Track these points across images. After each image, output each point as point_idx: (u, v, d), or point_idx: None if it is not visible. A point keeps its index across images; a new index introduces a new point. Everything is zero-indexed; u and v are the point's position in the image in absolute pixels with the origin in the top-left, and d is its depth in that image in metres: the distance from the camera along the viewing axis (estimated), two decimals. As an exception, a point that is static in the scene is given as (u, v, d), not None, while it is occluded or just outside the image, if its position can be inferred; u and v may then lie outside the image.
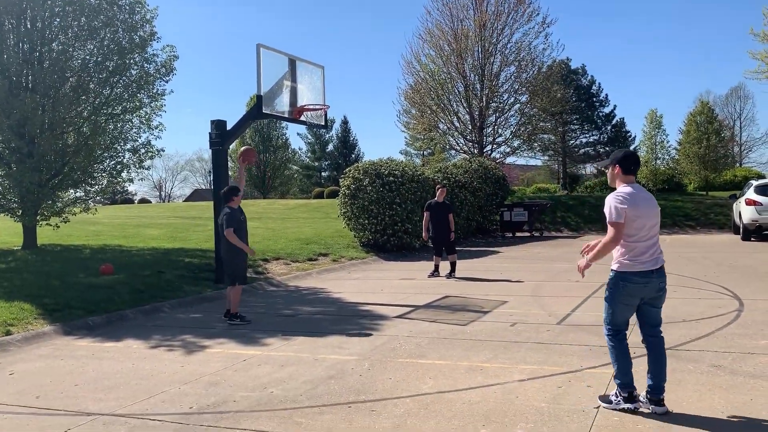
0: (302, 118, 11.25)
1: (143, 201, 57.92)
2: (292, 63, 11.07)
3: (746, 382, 5.04)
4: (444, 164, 22.53)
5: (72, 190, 15.13)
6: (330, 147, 68.04)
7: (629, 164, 4.51)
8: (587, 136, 49.54)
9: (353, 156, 65.58)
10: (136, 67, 14.51)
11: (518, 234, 23.80)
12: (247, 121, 11.28)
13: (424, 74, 30.11)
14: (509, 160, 38.26)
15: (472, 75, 30.43)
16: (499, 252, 17.79)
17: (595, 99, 49.37)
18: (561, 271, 12.79)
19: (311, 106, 11.05)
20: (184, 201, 74.77)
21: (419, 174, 17.73)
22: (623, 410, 4.41)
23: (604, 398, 4.60)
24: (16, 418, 4.87)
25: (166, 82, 14.75)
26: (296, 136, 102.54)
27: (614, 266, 4.47)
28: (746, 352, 5.96)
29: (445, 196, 12.82)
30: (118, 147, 14.76)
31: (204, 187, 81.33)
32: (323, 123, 11.82)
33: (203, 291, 11.06)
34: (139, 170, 15.23)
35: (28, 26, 13.73)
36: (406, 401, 4.92)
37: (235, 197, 8.63)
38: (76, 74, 14.05)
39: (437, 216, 12.43)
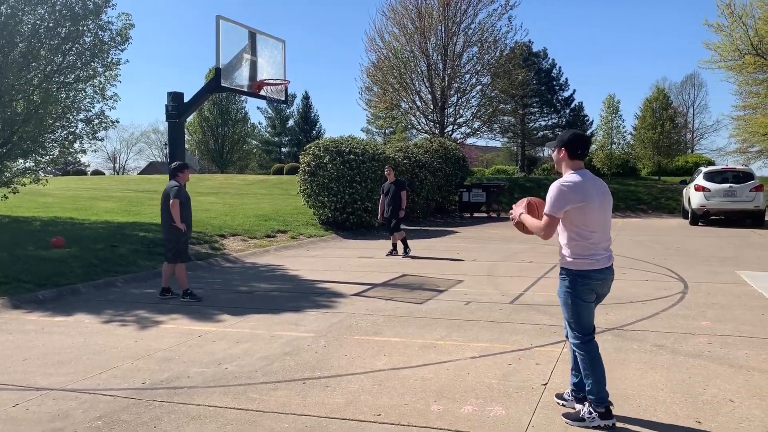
0: (262, 93, 11.11)
1: (96, 173, 56.50)
2: (252, 36, 10.90)
3: (686, 361, 5.26)
4: (405, 144, 22.58)
5: (21, 160, 14.66)
6: (291, 122, 67.34)
7: (576, 147, 3.97)
8: (546, 119, 50.23)
9: (314, 132, 65.10)
10: (89, 35, 14.07)
11: (476, 215, 24.10)
12: (205, 94, 11.07)
13: (387, 52, 29.99)
14: (469, 141, 38.58)
15: (434, 54, 30.45)
16: (456, 232, 18.00)
17: (555, 83, 49.97)
18: (516, 251, 13.03)
19: (271, 81, 10.92)
20: (139, 174, 73.14)
21: (380, 153, 17.73)
22: (597, 428, 3.88)
23: (574, 416, 4.00)
24: (-38, 393, 4.77)
25: (121, 51, 14.37)
26: (256, 110, 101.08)
27: (567, 265, 3.98)
28: (687, 332, 6.21)
29: (396, 175, 13.14)
30: (71, 117, 14.35)
31: (160, 160, 79.65)
32: (283, 98, 11.70)
33: (158, 266, 10.89)
34: (92, 141, 14.86)
35: None
36: (360, 377, 4.99)
37: (180, 173, 8.47)
38: (25, 40, 13.53)
39: (390, 196, 12.67)
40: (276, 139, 66.57)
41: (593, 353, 4.00)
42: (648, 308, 7.36)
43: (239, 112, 48.71)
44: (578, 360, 4.07)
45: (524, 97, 40.05)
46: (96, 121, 14.71)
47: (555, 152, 4.15)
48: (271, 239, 14.68)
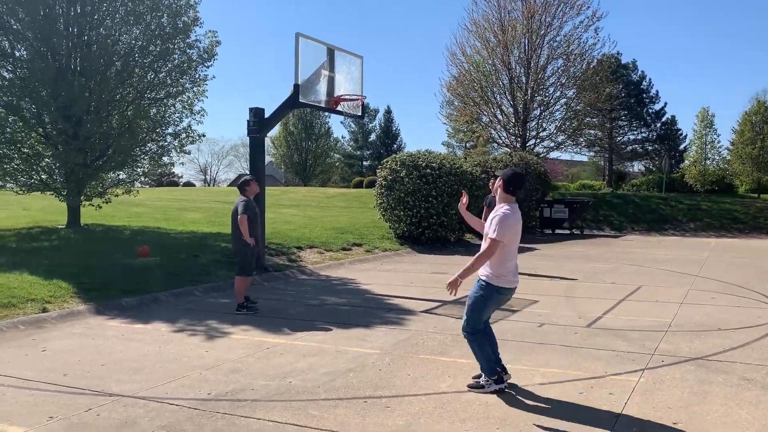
0: (339, 108, 11.23)
1: (188, 184, 59.00)
2: (331, 52, 11.06)
3: (778, 399, 4.84)
4: (484, 158, 22.27)
5: (114, 172, 15.47)
6: (372, 136, 68.00)
7: (511, 185, 4.86)
8: (635, 133, 48.28)
9: (395, 146, 65.39)
10: (178, 52, 14.72)
11: (558, 231, 23.43)
12: (285, 110, 11.32)
13: (468, 66, 29.76)
14: (553, 155, 37.66)
15: (517, 67, 29.96)
16: (536, 249, 17.54)
17: (644, 95, 48.04)
18: (597, 271, 12.53)
19: (348, 96, 11.03)
20: (228, 186, 75.89)
21: (457, 167, 17.56)
22: (494, 392, 4.90)
23: (475, 385, 5.03)
24: (42, 395, 5.00)
25: (208, 67, 14.95)
26: (339, 125, 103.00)
27: (488, 279, 4.86)
28: (782, 366, 5.72)
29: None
30: (160, 131, 15.01)
31: (248, 173, 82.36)
32: (360, 113, 11.79)
33: (232, 278, 11.16)
34: (180, 154, 15.48)
35: (78, 10, 14.02)
36: (422, 399, 4.88)
37: (247, 188, 8.62)
38: (121, 58, 14.31)
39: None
40: (358, 152, 67.40)
41: (480, 342, 5.02)
42: (738, 337, 6.85)
43: (322, 127, 49.72)
44: (469, 345, 5.09)
45: (612, 110, 38.76)
46: (183, 135, 15.33)
47: (497, 180, 4.99)
48: (347, 252, 14.79)
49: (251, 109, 11.64)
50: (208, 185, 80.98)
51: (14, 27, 13.37)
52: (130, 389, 5.16)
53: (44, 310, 8.07)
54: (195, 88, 15.07)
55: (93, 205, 15.08)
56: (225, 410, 4.66)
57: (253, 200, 8.68)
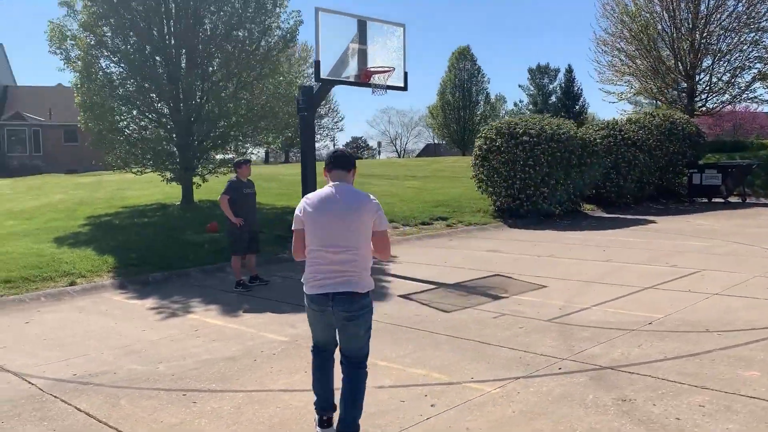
0: (376, 81, 10.89)
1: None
2: (362, 24, 10.70)
3: None
4: (613, 120, 20.07)
5: (217, 152, 16.63)
6: (553, 98, 64.80)
7: (328, 160, 3.87)
8: None
9: (576, 108, 61.70)
10: (261, 35, 15.24)
11: (715, 200, 20.55)
12: (322, 88, 11.28)
13: (621, 15, 26.89)
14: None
15: (683, 12, 26.38)
16: (652, 222, 15.57)
17: None
18: (678, 250, 10.85)
19: (376, 69, 10.64)
20: (416, 156, 77.53)
21: (563, 132, 16.11)
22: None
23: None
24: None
25: (290, 47, 15.31)
26: (517, 89, 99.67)
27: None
28: None
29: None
30: (250, 114, 15.80)
31: (436, 142, 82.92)
32: (402, 84, 11.32)
33: (282, 253, 11.51)
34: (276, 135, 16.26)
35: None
36: (239, 396, 4.72)
37: (239, 169, 8.79)
38: (230, 48, 15.14)
39: None
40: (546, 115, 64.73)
41: (313, 365, 4.00)
42: (711, 342, 5.58)
43: (480, 94, 48.41)
44: None
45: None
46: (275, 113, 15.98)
47: None
48: (425, 227, 14.44)
49: (300, 88, 11.77)
50: (399, 156, 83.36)
51: (128, 19, 14.73)
52: (27, 364, 5.67)
53: (72, 284, 9.07)
54: (291, 71, 15.54)
55: (197, 184, 16.33)
56: (61, 392, 4.94)
57: (245, 181, 8.88)
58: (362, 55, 10.80)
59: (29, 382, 5.21)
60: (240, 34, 15.11)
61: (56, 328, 6.97)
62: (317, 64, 10.29)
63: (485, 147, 16.37)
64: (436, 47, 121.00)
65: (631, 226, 14.73)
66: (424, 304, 7.52)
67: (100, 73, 14.94)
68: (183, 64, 15.30)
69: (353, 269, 3.67)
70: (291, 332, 6.45)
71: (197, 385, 5.00)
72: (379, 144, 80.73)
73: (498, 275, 9.19)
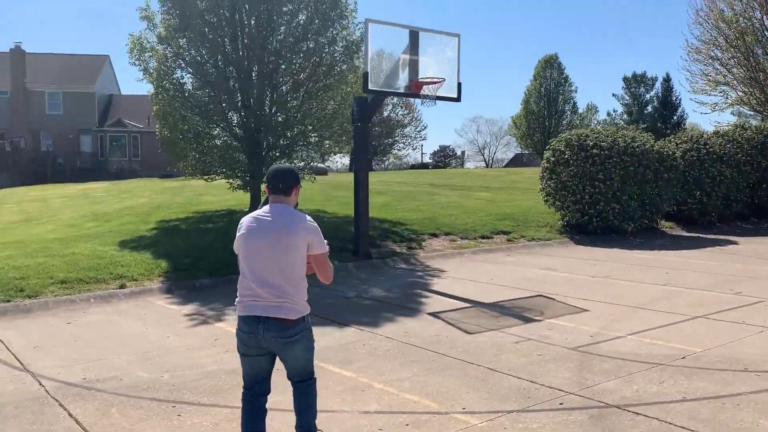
0: (426, 92, 10.76)
1: (437, 167, 60.71)
2: (414, 35, 10.62)
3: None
4: (696, 133, 18.82)
5: (284, 161, 16.91)
6: (649, 108, 61.96)
7: (266, 178, 3.74)
8: None
9: (674, 118, 58.73)
10: (328, 46, 15.42)
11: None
12: (376, 99, 11.24)
13: (717, 22, 25.31)
14: None
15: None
16: (734, 243, 14.45)
17: None
18: (757, 275, 9.97)
19: (427, 80, 10.50)
20: (504, 166, 76.33)
21: (637, 145, 15.26)
22: None
23: None
24: (-20, 363, 6.01)
25: (356, 59, 15.37)
26: (610, 99, 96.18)
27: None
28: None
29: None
30: (316, 124, 15.99)
31: (524, 152, 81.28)
32: (455, 95, 11.11)
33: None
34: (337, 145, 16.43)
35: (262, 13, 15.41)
36: (223, 411, 4.69)
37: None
38: (297, 59, 15.45)
39: None
40: (631, 127, 62.04)
41: (242, 408, 3.78)
42: (743, 384, 5.01)
43: (567, 102, 46.78)
44: None
45: None
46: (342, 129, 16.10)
47: None
48: (484, 240, 14.07)
49: (355, 98, 11.81)
50: (488, 165, 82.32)
51: (201, 30, 15.30)
52: (47, 365, 5.91)
53: (122, 287, 9.44)
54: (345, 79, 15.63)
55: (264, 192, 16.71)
56: (62, 396, 5.10)
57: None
58: (413, 66, 10.72)
59: (40, 383, 5.41)
60: (307, 45, 15.33)
61: (91, 330, 7.25)
62: (365, 75, 10.29)
63: (553, 159, 15.79)
64: (526, 55, 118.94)
65: (707, 247, 13.74)
66: (450, 323, 7.26)
67: (174, 83, 15.57)
68: (254, 75, 15.71)
69: (285, 294, 3.54)
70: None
71: (190, 397, 5.02)
72: (463, 153, 79.86)
73: (541, 296, 8.77)
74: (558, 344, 6.28)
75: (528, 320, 7.34)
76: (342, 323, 7.34)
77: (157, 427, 4.44)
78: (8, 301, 8.48)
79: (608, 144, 15.18)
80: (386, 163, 69.25)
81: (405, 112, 55.81)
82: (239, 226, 3.72)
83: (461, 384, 5.16)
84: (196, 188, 23.99)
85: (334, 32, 15.41)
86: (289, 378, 3.77)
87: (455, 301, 8.53)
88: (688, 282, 9.57)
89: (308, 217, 3.63)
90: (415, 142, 61.22)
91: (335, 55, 15.56)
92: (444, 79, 10.48)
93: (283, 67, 15.52)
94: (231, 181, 16.38)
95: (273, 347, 3.59)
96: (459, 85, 11.15)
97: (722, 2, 25.59)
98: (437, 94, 10.92)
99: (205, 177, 16.51)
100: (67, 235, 13.88)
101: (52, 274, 9.62)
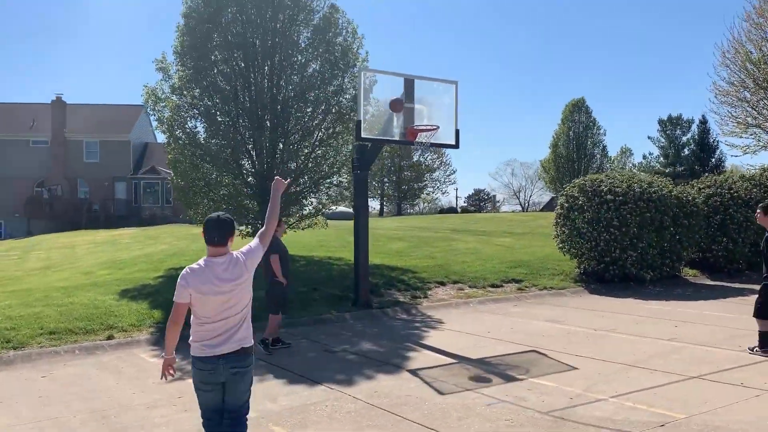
0: (421, 140, 10.60)
1: (465, 210, 60.25)
2: (409, 83, 10.53)
3: None
4: (722, 177, 18.13)
5: (296, 207, 16.92)
6: (686, 151, 60.75)
7: (203, 230, 3.95)
8: None
9: (712, 161, 57.35)
10: (346, 96, 15.54)
11: None
12: (374, 147, 11.14)
13: (744, 63, 24.72)
14: None
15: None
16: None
17: None
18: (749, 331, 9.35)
19: (422, 127, 10.35)
20: (540, 210, 75.33)
21: (653, 191, 14.75)
22: None
23: None
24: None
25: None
26: (647, 141, 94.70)
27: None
28: None
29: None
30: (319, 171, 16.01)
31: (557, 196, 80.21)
32: (453, 143, 10.93)
33: (327, 313, 11.26)
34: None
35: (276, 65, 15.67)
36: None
37: (278, 227, 8.69)
38: (306, 109, 15.62)
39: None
40: (668, 170, 60.74)
41: None
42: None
43: (597, 146, 46.10)
44: None
45: None
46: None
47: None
48: (493, 289, 13.65)
49: (355, 146, 11.74)
50: (524, 209, 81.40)
51: (213, 81, 15.59)
52: (1, 424, 5.77)
53: (110, 338, 9.36)
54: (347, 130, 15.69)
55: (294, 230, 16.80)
56: (-1, 459, 4.92)
57: (280, 239, 8.89)
58: (408, 113, 10.61)
59: (-17, 444, 5.27)
60: (316, 95, 15.46)
61: (61, 385, 7.13)
62: (358, 123, 10.24)
63: (567, 205, 15.40)
64: (559, 98, 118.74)
65: (728, 297, 13.04)
66: (426, 382, 6.91)
67: (187, 132, 15.79)
68: (266, 124, 15.84)
69: (240, 328, 3.91)
70: (274, 408, 6.11)
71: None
72: (494, 197, 79.15)
73: (534, 351, 8.34)
74: (532, 407, 5.88)
75: (510, 379, 6.94)
76: (314, 381, 7.05)
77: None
78: (-9, 352, 8.46)
79: (623, 189, 14.73)
80: (421, 206, 69.21)
81: (435, 156, 55.94)
82: (185, 279, 3.96)
83: (411, 453, 4.82)
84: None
85: (344, 81, 15.51)
86: (227, 412, 4.04)
87: (442, 356, 8.16)
88: (695, 336, 9.01)
89: (243, 250, 4.01)
90: (444, 186, 61.12)
91: (343, 103, 15.63)
92: (438, 127, 10.31)
93: (298, 114, 15.63)
94: (241, 228, 16.40)
95: (227, 378, 3.98)
96: (457, 131, 10.98)
97: (749, 43, 25.06)
98: (437, 141, 10.78)
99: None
100: (76, 283, 13.97)
101: (43, 324, 9.61)
